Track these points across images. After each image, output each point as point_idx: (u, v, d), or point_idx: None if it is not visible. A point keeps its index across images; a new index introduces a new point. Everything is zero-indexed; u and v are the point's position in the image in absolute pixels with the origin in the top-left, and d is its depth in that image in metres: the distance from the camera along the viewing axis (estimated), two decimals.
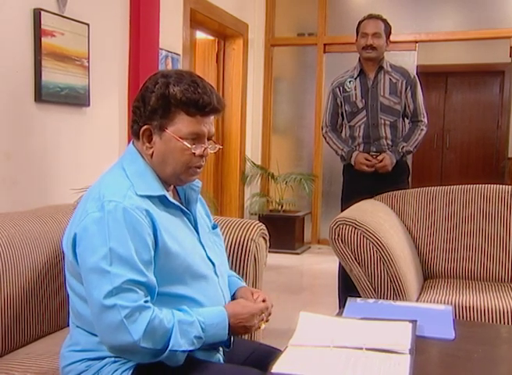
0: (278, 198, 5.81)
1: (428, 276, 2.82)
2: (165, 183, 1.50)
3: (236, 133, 5.60)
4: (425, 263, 2.83)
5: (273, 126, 6.10)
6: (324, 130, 3.44)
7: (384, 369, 1.30)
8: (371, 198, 3.00)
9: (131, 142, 1.52)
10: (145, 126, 1.45)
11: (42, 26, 2.64)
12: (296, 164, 6.13)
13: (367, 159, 3.23)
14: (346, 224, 2.35)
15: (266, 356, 1.57)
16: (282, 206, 5.80)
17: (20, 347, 1.84)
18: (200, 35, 5.17)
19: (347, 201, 3.03)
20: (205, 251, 1.54)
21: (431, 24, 5.57)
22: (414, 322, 1.59)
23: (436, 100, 7.96)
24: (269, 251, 2.27)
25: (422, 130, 3.29)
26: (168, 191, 1.51)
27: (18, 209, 2.28)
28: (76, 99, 2.90)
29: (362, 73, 3.29)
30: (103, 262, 1.31)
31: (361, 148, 3.29)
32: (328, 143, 3.43)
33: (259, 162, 5.92)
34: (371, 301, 1.97)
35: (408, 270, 2.43)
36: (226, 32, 5.37)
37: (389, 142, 3.27)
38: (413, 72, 3.39)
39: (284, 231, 5.52)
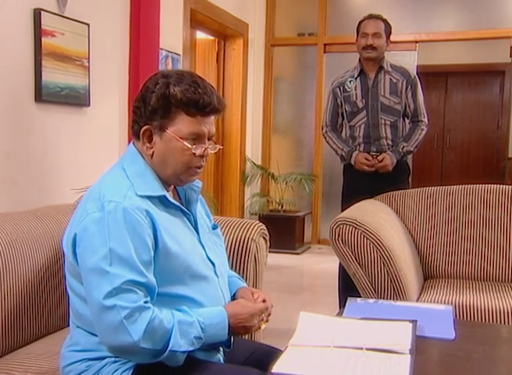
0: (278, 198, 5.81)
1: (429, 276, 2.82)
2: (166, 183, 1.50)
3: (237, 133, 5.60)
4: (426, 263, 2.83)
5: (273, 126, 6.10)
6: (324, 130, 3.44)
7: (384, 369, 1.30)
8: (372, 198, 3.00)
9: (131, 142, 1.52)
10: (145, 127, 1.45)
11: (42, 26, 2.64)
12: (297, 164, 6.13)
13: (367, 159, 3.23)
14: (347, 224, 2.35)
15: (266, 356, 1.57)
16: (282, 206, 5.80)
17: (20, 347, 1.84)
18: (201, 35, 5.17)
19: (348, 201, 3.03)
20: (205, 251, 1.54)
21: (431, 24, 5.57)
22: (414, 322, 1.59)
23: (436, 100, 7.96)
24: (269, 251, 2.27)
25: (423, 129, 3.29)
26: (168, 191, 1.51)
27: (18, 209, 2.28)
28: (77, 99, 2.90)
29: (362, 73, 3.29)
30: (103, 263, 1.31)
31: (362, 148, 3.28)
32: (328, 143, 3.43)
33: (259, 162, 5.92)
34: (371, 301, 1.97)
35: (408, 270, 2.43)
36: (226, 32, 5.37)
37: (390, 142, 3.26)
38: (413, 72, 3.39)
39: (284, 231, 5.52)
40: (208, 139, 1.49)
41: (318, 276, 5.02)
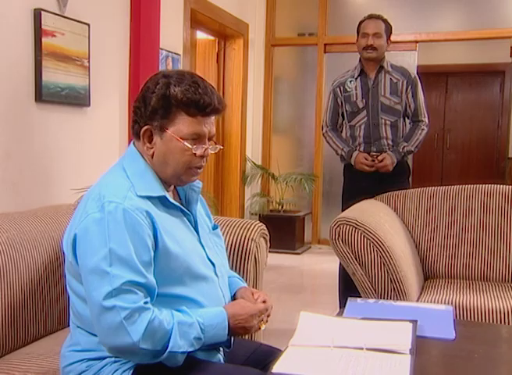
0: (278, 198, 5.81)
1: (429, 277, 2.82)
2: (166, 183, 1.50)
3: (237, 133, 5.60)
4: (426, 263, 2.83)
5: (273, 126, 6.10)
6: (324, 130, 3.44)
7: (384, 369, 1.30)
8: (372, 198, 3.00)
9: (132, 142, 1.52)
10: (146, 127, 1.45)
11: (42, 27, 2.64)
12: (297, 164, 6.13)
13: (366, 159, 3.23)
14: (347, 224, 2.35)
15: (267, 356, 1.57)
16: (282, 206, 5.80)
17: (21, 347, 1.85)
18: (201, 35, 5.17)
19: (348, 201, 3.03)
20: (205, 251, 1.54)
21: (431, 24, 5.57)
22: (414, 322, 1.59)
23: (437, 100, 7.96)
24: (270, 251, 2.27)
25: (423, 129, 3.29)
26: (168, 191, 1.51)
27: (18, 209, 2.29)
28: (77, 99, 2.90)
29: (363, 73, 3.29)
30: (103, 263, 1.31)
31: (362, 148, 3.28)
32: (328, 142, 3.43)
33: (259, 162, 5.92)
34: (371, 301, 1.97)
35: (409, 270, 2.43)
36: (227, 32, 5.37)
37: (390, 142, 3.26)
38: (413, 72, 3.39)
39: (284, 231, 5.52)
40: (209, 139, 1.49)
41: (318, 277, 5.02)
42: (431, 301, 2.37)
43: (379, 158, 3.21)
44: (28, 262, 1.87)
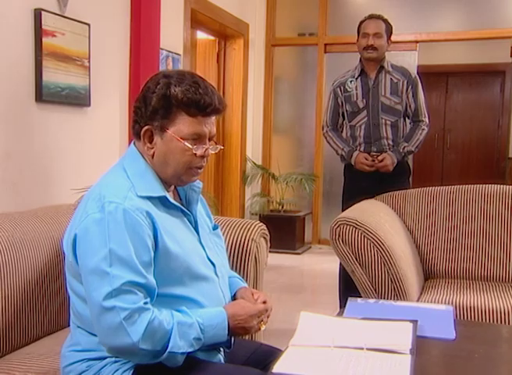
0: (278, 198, 5.81)
1: (429, 277, 2.82)
2: (166, 183, 1.50)
3: (237, 133, 5.60)
4: (426, 263, 2.83)
5: (274, 126, 6.10)
6: (324, 130, 3.44)
7: (385, 369, 1.30)
8: (372, 198, 3.00)
9: (132, 142, 1.52)
10: (146, 127, 1.45)
11: (43, 27, 2.64)
12: (297, 164, 6.13)
13: (366, 159, 3.22)
14: (347, 224, 2.35)
15: (267, 356, 1.57)
16: (282, 206, 5.80)
17: (21, 347, 1.85)
18: (201, 35, 5.17)
19: (348, 201, 3.03)
20: (205, 252, 1.54)
21: (431, 24, 5.57)
22: (414, 322, 1.59)
23: (437, 100, 7.96)
24: (270, 251, 2.27)
25: (424, 129, 3.29)
26: (168, 191, 1.51)
27: (18, 209, 2.29)
28: (77, 99, 2.90)
29: (363, 73, 3.29)
30: (103, 264, 1.31)
31: (362, 148, 3.28)
32: (328, 142, 3.43)
33: (260, 162, 5.92)
34: (371, 301, 1.97)
35: (409, 270, 2.43)
36: (227, 32, 5.37)
37: (390, 142, 3.26)
38: (414, 72, 3.38)
39: (285, 231, 5.52)
40: (209, 139, 1.49)
41: (318, 276, 5.02)
42: (431, 301, 2.37)
43: (379, 158, 3.21)
44: (28, 262, 1.87)
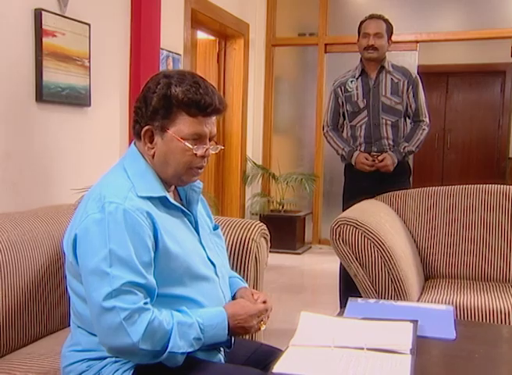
0: (279, 198, 5.81)
1: (429, 277, 2.82)
2: (167, 183, 1.50)
3: (237, 133, 5.60)
4: (426, 263, 2.83)
5: (274, 126, 6.10)
6: (325, 130, 3.44)
7: (385, 370, 1.30)
8: (373, 198, 3.00)
9: (132, 143, 1.52)
10: (147, 127, 1.45)
11: (43, 27, 2.64)
12: (298, 164, 6.13)
13: (367, 159, 3.22)
14: (348, 224, 2.35)
15: (267, 356, 1.57)
16: (283, 206, 5.80)
17: (21, 347, 1.85)
18: (202, 35, 5.17)
19: (348, 201, 3.03)
20: (206, 252, 1.54)
21: (432, 24, 5.57)
22: (415, 322, 1.59)
23: (437, 100, 7.96)
24: (270, 251, 2.27)
25: (424, 129, 3.29)
26: (169, 191, 1.51)
27: (18, 209, 2.29)
28: (77, 99, 2.90)
29: (364, 73, 3.29)
30: (103, 264, 1.31)
31: (363, 148, 3.28)
32: (329, 142, 3.43)
33: (260, 162, 5.92)
34: (372, 301, 1.97)
35: (409, 270, 2.43)
36: (227, 32, 5.37)
37: (391, 142, 3.26)
38: (414, 72, 3.39)
39: (285, 231, 5.52)
40: (210, 139, 1.49)
41: (318, 276, 5.02)
42: (431, 301, 2.37)
43: (380, 158, 3.21)
44: (29, 262, 1.87)
